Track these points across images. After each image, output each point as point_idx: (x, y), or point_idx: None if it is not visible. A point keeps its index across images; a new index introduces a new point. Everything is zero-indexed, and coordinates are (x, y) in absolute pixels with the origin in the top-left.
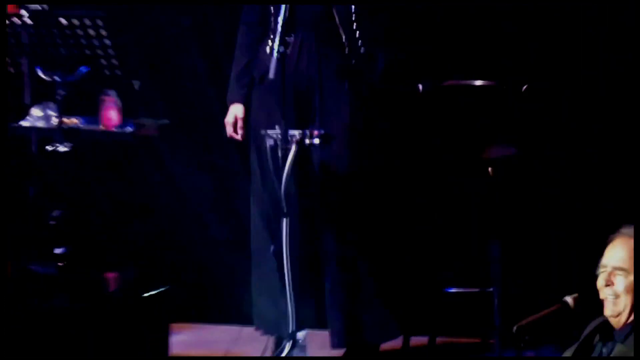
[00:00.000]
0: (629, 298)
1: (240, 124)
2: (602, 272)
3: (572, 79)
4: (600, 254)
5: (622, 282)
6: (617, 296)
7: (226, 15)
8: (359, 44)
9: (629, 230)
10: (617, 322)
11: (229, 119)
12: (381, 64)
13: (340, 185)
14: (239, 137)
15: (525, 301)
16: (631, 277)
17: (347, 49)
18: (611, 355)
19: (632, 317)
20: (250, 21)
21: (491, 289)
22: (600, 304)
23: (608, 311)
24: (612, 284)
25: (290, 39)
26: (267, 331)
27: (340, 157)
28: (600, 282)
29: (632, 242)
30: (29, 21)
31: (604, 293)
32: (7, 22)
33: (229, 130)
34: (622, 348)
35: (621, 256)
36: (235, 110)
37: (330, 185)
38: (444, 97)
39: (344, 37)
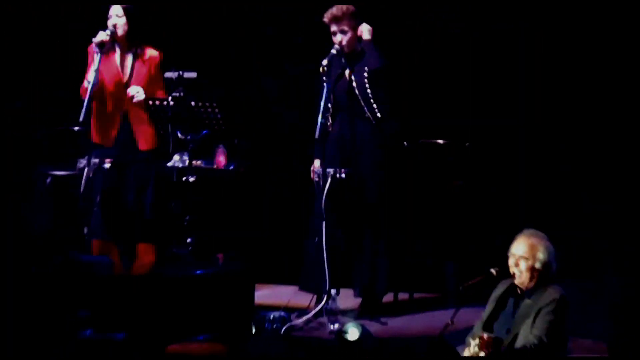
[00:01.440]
0: (528, 274)
1: (319, 171)
2: (511, 257)
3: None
4: (509, 244)
5: (524, 265)
6: (521, 273)
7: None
8: (376, 113)
9: (528, 231)
10: (523, 286)
11: (313, 168)
12: (394, 127)
13: (367, 198)
14: (316, 178)
15: (468, 270)
16: (529, 262)
17: (366, 116)
18: (521, 307)
19: (532, 284)
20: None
21: (448, 265)
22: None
23: (516, 281)
24: (518, 265)
25: (328, 114)
26: (311, 290)
27: (367, 182)
28: (510, 263)
29: (530, 239)
30: (172, 103)
31: (513, 269)
32: (157, 102)
33: (313, 174)
34: (527, 301)
35: (523, 248)
36: (317, 163)
37: (362, 200)
38: (420, 150)
39: (366, 110)
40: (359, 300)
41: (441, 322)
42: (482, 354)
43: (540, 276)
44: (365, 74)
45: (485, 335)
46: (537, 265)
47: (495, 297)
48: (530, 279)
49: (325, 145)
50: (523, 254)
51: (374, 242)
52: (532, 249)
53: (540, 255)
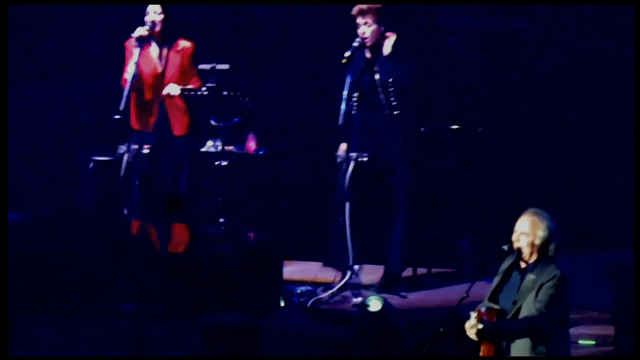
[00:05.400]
0: (528, 249)
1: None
2: (515, 232)
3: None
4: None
5: (525, 240)
6: (522, 248)
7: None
8: (394, 105)
9: (531, 210)
10: (524, 260)
11: (339, 152)
12: (409, 118)
13: (389, 181)
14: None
15: (482, 247)
16: (530, 238)
17: (386, 107)
18: (525, 281)
19: (532, 258)
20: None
21: (464, 241)
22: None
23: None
24: (520, 241)
25: (351, 102)
26: (336, 266)
27: (390, 165)
28: (514, 238)
29: (532, 217)
30: (206, 93)
31: (516, 244)
32: (193, 92)
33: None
34: (531, 276)
35: (525, 225)
36: (343, 147)
37: (383, 181)
38: (437, 135)
39: (384, 101)
40: (380, 275)
41: (457, 295)
42: (480, 326)
43: (540, 252)
44: (391, 81)
45: (482, 309)
46: (537, 241)
47: (502, 270)
48: (530, 254)
49: (350, 133)
50: (524, 230)
51: (394, 220)
52: (533, 225)
53: (540, 232)
